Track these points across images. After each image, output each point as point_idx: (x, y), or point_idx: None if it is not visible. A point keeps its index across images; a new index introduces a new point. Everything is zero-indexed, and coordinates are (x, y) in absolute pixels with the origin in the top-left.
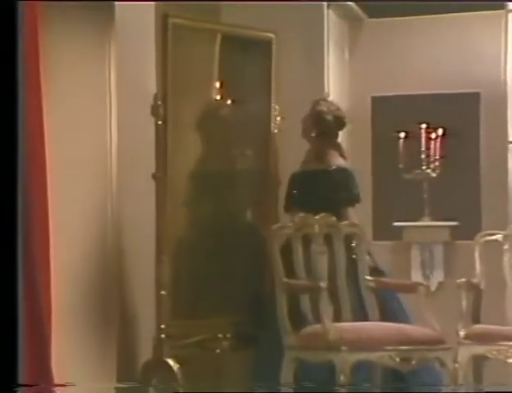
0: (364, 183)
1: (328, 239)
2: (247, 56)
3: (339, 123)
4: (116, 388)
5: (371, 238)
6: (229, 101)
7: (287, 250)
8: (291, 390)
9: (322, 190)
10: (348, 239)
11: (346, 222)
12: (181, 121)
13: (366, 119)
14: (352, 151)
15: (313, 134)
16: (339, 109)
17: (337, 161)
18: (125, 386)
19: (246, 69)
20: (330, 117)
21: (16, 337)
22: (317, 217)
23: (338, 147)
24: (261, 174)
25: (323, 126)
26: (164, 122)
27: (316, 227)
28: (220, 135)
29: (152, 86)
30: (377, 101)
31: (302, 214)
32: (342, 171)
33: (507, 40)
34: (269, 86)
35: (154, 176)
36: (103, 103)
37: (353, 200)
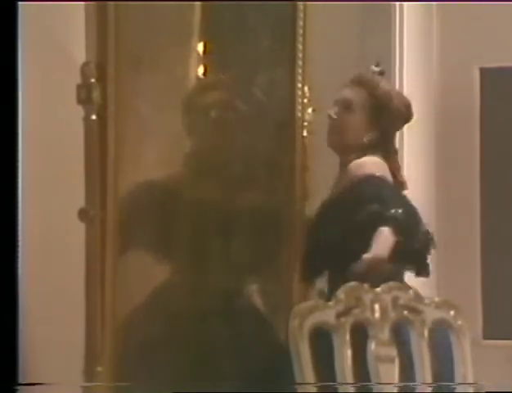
0: (463, 225)
1: (399, 333)
2: None
3: (406, 115)
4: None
5: (481, 335)
6: (220, 79)
7: (324, 352)
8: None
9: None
10: (437, 334)
11: (433, 300)
12: (132, 115)
13: (470, 109)
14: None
15: (367, 137)
16: (400, 92)
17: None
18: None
19: (250, 20)
20: (397, 103)
21: (16, 337)
22: (379, 289)
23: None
24: (276, 215)
25: (386, 118)
26: (102, 116)
27: (377, 308)
28: (202, 142)
29: (80, 51)
30: (490, 77)
31: (351, 284)
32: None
33: None
34: (292, 52)
35: (82, 214)
36: None
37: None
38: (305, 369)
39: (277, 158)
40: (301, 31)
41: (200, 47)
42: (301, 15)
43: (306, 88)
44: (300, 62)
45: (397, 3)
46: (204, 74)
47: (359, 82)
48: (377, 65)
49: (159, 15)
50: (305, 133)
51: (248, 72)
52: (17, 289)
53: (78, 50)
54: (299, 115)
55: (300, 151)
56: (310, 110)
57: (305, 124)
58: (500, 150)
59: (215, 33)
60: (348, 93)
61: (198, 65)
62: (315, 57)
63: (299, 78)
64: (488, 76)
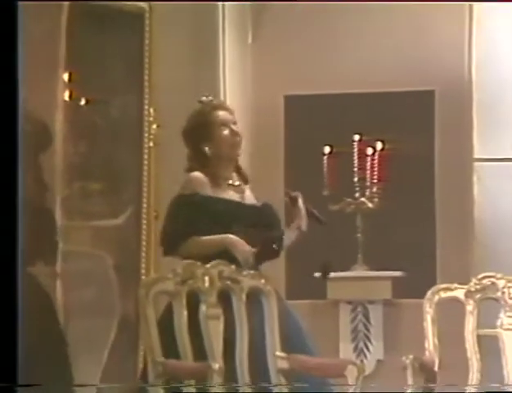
0: None
1: (224, 298)
2: (108, 36)
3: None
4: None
5: (284, 296)
6: (82, 102)
7: (165, 316)
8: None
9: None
10: (253, 297)
11: (248, 272)
12: None
13: (276, 127)
14: (255, 173)
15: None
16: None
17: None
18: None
19: (107, 55)
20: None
21: (16, 337)
22: (208, 266)
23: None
24: (123, 212)
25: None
26: None
27: (207, 279)
28: (70, 150)
29: None
30: (292, 103)
31: (188, 262)
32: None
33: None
34: (140, 80)
35: None
36: None
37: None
38: (151, 329)
39: (130, 164)
40: (147, 65)
41: (66, 76)
42: (147, 49)
43: (152, 109)
44: (147, 89)
45: (221, 47)
46: (70, 97)
47: (224, 107)
48: (207, 96)
49: (34, 45)
50: (151, 144)
51: (106, 95)
52: (17, 289)
53: None
54: (146, 129)
55: (147, 158)
56: (155, 126)
57: (151, 137)
58: (300, 164)
59: (78, 64)
60: (227, 116)
61: (64, 91)
62: (159, 84)
63: (146, 101)
64: (291, 102)
